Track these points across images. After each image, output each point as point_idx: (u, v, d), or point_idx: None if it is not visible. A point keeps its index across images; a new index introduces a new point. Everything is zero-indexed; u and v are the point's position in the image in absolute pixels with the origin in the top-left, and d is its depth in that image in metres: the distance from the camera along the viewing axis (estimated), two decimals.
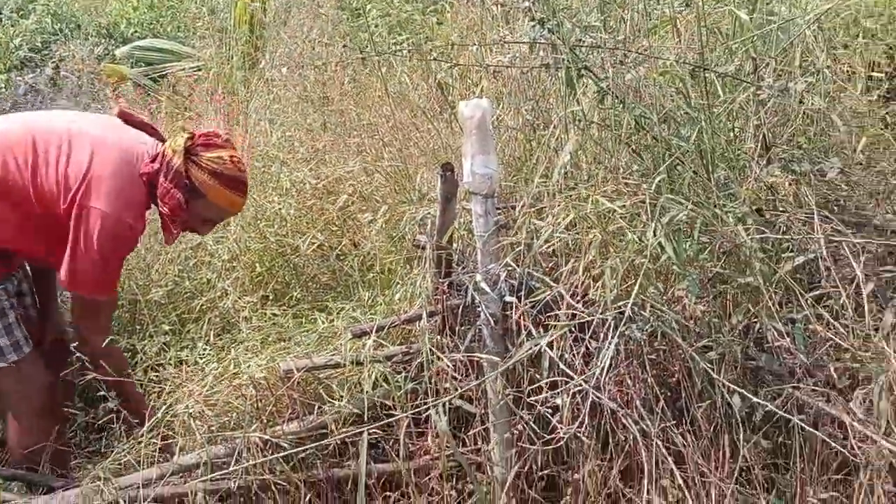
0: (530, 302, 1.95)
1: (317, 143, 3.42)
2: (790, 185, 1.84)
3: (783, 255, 1.89)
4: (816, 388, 1.81)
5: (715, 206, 1.89)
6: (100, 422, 2.60)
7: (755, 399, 1.72)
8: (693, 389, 1.94)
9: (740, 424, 1.84)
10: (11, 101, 5.41)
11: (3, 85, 5.62)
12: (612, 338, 1.79)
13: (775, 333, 1.81)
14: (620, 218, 1.75)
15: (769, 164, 1.95)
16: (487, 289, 1.96)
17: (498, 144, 2.37)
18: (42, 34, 7.29)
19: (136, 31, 7.75)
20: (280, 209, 3.20)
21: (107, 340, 2.38)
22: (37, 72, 6.12)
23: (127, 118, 2.44)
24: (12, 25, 7.22)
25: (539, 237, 1.87)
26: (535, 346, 1.87)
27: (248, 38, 4.85)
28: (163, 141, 2.44)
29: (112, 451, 2.38)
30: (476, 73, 2.62)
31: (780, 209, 1.93)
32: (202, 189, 2.35)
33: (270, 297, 3.15)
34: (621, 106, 1.93)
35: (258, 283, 3.23)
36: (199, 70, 5.18)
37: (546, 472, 2.12)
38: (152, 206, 2.43)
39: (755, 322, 1.90)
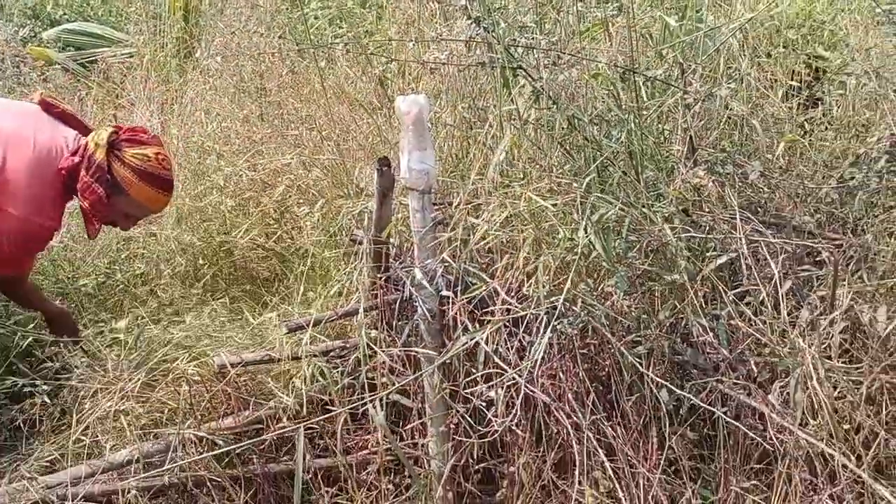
0: (466, 297, 1.98)
1: (253, 135, 3.38)
2: (714, 186, 1.92)
3: (708, 254, 1.97)
4: (738, 381, 1.89)
5: (643, 206, 1.96)
6: (28, 417, 2.54)
7: (681, 392, 1.79)
8: (623, 383, 2.01)
9: (668, 417, 1.91)
10: None
11: None
12: (545, 332, 1.83)
13: (700, 329, 1.89)
14: (553, 216, 1.79)
15: (695, 166, 2.02)
16: (426, 283, 1.98)
17: (436, 141, 2.39)
18: None
19: (64, 14, 7.46)
20: (217, 201, 3.16)
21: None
22: None
23: (48, 108, 2.37)
24: None
25: (475, 234, 1.90)
26: (471, 340, 1.90)
27: (182, 25, 4.73)
28: (86, 132, 2.38)
29: (38, 450, 2.32)
30: (415, 68, 2.64)
31: (706, 210, 2.00)
32: (124, 185, 2.31)
33: (207, 291, 3.11)
34: (554, 106, 1.97)
35: (194, 276, 3.18)
36: (131, 56, 5.03)
37: (482, 465, 2.16)
38: (74, 198, 2.38)
39: (682, 318, 1.98)
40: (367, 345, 2.08)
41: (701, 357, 1.98)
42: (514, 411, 1.88)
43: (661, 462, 1.89)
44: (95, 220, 2.36)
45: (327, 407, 2.15)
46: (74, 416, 2.25)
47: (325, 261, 2.53)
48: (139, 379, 2.23)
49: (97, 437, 2.22)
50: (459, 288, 2.01)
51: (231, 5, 4.70)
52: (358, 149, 2.73)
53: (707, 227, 1.97)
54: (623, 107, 2.06)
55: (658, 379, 1.79)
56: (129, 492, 2.15)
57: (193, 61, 4.50)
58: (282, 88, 3.35)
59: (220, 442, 2.14)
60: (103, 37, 5.89)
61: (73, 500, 2.10)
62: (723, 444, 1.92)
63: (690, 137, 2.07)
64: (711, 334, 1.87)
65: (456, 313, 2.00)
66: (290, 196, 2.84)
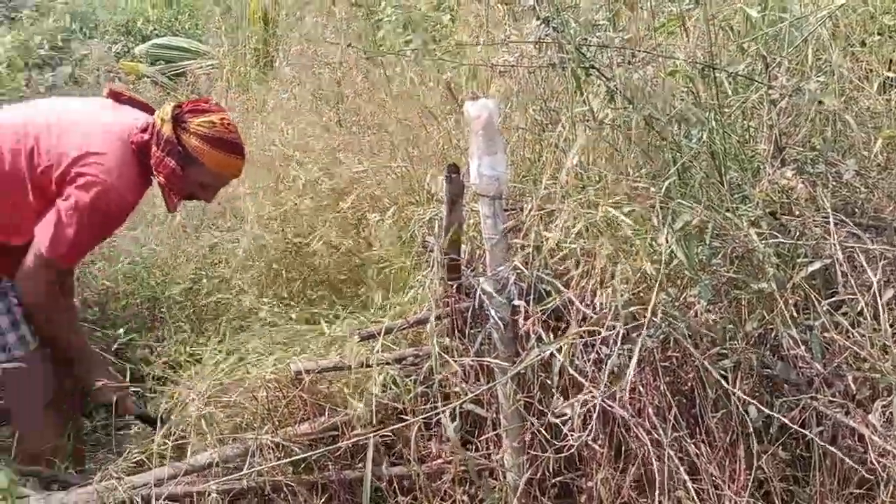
0: (540, 308, 1.92)
1: (331, 142, 3.42)
2: (804, 186, 1.79)
3: (798, 261, 1.84)
4: (834, 398, 1.76)
5: (727, 210, 1.85)
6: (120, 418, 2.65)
7: (768, 412, 1.67)
8: (707, 398, 1.91)
9: (757, 435, 1.80)
10: (33, 99, 5.46)
11: (24, 83, 5.68)
12: (626, 347, 1.75)
13: (791, 342, 1.77)
14: (629, 225, 1.71)
15: (783, 166, 1.90)
16: (492, 292, 1.94)
17: (508, 145, 2.34)
18: (62, 32, 7.37)
19: (154, 29, 7.82)
20: (296, 207, 3.21)
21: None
22: (56, 70, 6.18)
23: (117, 96, 2.46)
24: (32, 24, 7.31)
25: (547, 242, 1.84)
26: (545, 352, 1.84)
27: (261, 35, 4.85)
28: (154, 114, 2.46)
29: (127, 450, 2.40)
30: (487, 72, 2.59)
31: (796, 213, 1.88)
32: (195, 154, 2.35)
33: (286, 296, 3.16)
34: (630, 106, 1.89)
35: (274, 280, 3.25)
36: (214, 68, 5.19)
37: (559, 478, 2.10)
38: (152, 180, 2.44)
39: (771, 329, 1.86)
40: (440, 353, 2.05)
41: (793, 372, 1.86)
42: (590, 426, 1.81)
43: (750, 483, 1.78)
44: (173, 194, 2.42)
45: (401, 416, 2.14)
46: (159, 419, 2.32)
47: (399, 267, 2.52)
48: (219, 385, 2.27)
49: (180, 440, 2.28)
50: (532, 297, 1.96)
51: (309, 13, 4.80)
52: (430, 155, 2.71)
53: (797, 232, 1.85)
54: (703, 104, 1.96)
55: (744, 396, 1.68)
56: (209, 494, 2.20)
57: (272, 70, 4.61)
58: (357, 95, 3.37)
59: (296, 449, 2.15)
60: (190, 50, 6.13)
61: (156, 500, 2.16)
62: (818, 465, 1.78)
63: (777, 135, 1.95)
64: (803, 347, 1.75)
65: (529, 322, 1.95)
66: (365, 202, 2.84)
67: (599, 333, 1.81)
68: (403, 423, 2.11)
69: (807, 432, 1.70)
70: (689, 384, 1.92)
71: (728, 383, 1.76)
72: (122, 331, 3.04)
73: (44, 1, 8.16)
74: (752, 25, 2.14)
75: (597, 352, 1.85)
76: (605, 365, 1.75)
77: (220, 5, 5.27)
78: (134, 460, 2.33)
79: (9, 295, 2.39)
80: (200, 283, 3.41)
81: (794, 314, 1.84)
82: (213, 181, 2.50)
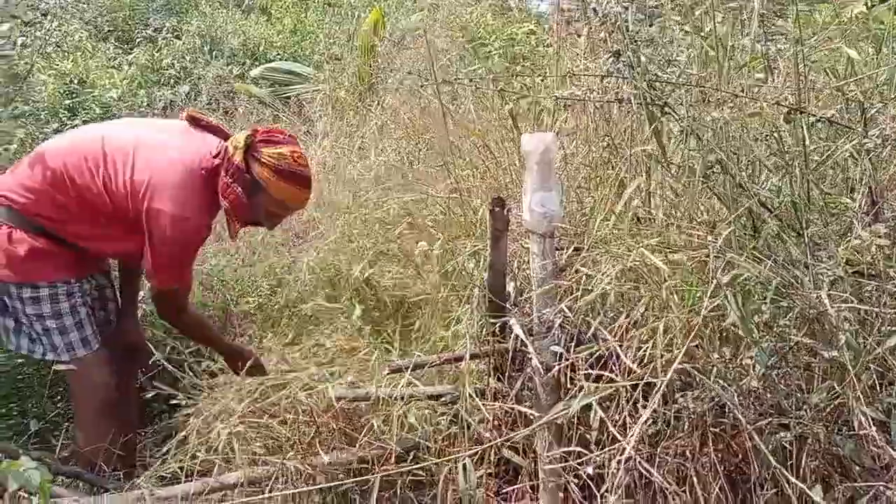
0: (581, 355, 1.78)
1: (409, 172, 3.40)
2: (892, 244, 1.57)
3: (882, 329, 1.62)
4: None
5: (805, 266, 1.65)
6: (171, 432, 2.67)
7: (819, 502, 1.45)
8: (766, 472, 1.69)
9: None
10: (150, 114, 5.81)
11: (144, 99, 6.02)
12: (670, 407, 1.58)
13: (862, 420, 1.54)
14: (678, 273, 1.54)
15: (875, 223, 1.68)
16: (523, 336, 1.80)
17: (574, 182, 2.22)
18: (192, 53, 7.82)
19: (277, 54, 8.17)
20: (364, 234, 3.20)
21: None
22: (176, 88, 6.53)
23: (195, 122, 2.50)
24: (166, 45, 7.81)
25: (594, 286, 1.70)
26: (579, 404, 1.69)
27: (364, 62, 4.94)
28: None
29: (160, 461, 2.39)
30: (562, 105, 2.48)
31: (883, 276, 1.65)
32: (263, 183, 2.37)
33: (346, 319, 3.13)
34: (701, 147, 1.73)
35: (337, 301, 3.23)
36: (317, 92, 5.34)
37: None
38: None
39: (842, 403, 1.63)
40: (472, 395, 1.93)
41: (866, 454, 1.62)
42: (621, 487, 1.63)
43: None
44: (237, 220, 2.44)
45: (424, 456, 2.02)
46: (194, 434, 2.30)
47: (445, 299, 2.43)
48: (248, 406, 2.24)
49: (212, 455, 2.25)
50: (573, 344, 1.82)
51: (410, 45, 4.86)
52: (488, 187, 2.62)
53: (881, 297, 1.62)
54: (786, 151, 1.77)
55: (794, 480, 1.47)
56: None
57: (370, 97, 4.68)
58: (422, 125, 3.34)
59: (320, 478, 2.08)
60: (300, 74, 6.34)
61: None
62: None
63: (870, 189, 1.73)
64: (874, 428, 1.51)
65: (569, 371, 1.81)
66: (415, 231, 2.78)
67: (640, 388, 1.64)
68: (433, 462, 2.00)
69: None
70: (742, 455, 1.71)
71: (786, 458, 1.55)
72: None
73: (181, 24, 8.75)
74: (854, 69, 1.94)
75: (632, 408, 1.68)
76: (638, 424, 1.58)
77: (328, 34, 5.42)
78: (166, 472, 2.33)
79: (75, 295, 2.46)
80: (274, 300, 3.45)
81: (877, 389, 1.62)
82: (278, 210, 2.51)
